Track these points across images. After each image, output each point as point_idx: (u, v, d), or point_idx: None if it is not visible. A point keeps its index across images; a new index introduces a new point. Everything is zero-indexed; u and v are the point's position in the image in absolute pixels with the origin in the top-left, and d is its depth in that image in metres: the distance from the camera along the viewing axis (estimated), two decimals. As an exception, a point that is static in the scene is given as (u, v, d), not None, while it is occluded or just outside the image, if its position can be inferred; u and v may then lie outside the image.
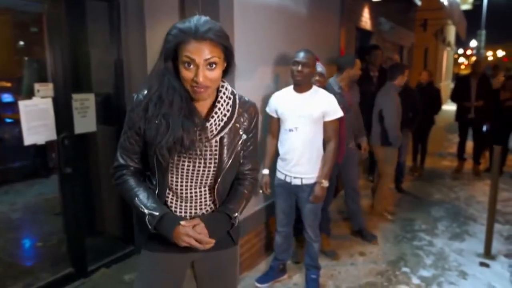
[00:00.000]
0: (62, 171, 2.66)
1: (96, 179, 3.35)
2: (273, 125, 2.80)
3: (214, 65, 1.26)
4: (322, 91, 2.69)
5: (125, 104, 3.03)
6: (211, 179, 1.43)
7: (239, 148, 1.44)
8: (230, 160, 1.42)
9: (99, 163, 3.33)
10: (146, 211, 1.36)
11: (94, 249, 3.02)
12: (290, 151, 2.66)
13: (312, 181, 2.66)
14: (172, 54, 1.28)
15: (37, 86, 2.51)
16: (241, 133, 1.43)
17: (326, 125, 2.65)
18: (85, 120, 2.86)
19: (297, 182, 2.68)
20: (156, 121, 1.30)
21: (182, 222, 1.37)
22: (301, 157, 2.64)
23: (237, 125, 1.42)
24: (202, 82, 1.24)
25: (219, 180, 1.42)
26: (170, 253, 1.48)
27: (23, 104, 2.41)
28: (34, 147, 2.63)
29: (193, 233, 1.35)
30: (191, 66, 1.24)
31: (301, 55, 2.61)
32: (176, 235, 1.35)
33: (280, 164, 2.77)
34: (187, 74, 1.25)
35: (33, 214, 3.93)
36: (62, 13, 2.57)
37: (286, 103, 2.67)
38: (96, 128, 2.97)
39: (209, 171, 1.41)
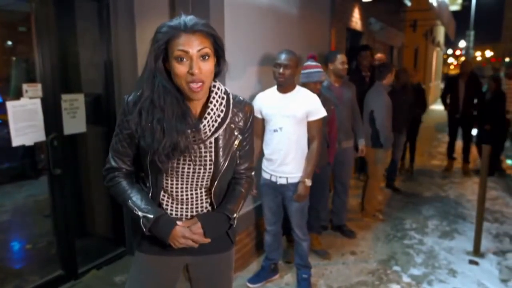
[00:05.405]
0: (52, 173, 2.63)
1: (86, 180, 3.33)
2: (258, 126, 2.77)
3: (207, 57, 1.24)
4: (305, 91, 2.70)
5: (115, 105, 3.01)
6: (207, 181, 1.41)
7: (234, 148, 1.41)
8: (227, 162, 1.39)
9: (89, 164, 3.30)
10: (140, 213, 1.34)
11: (84, 251, 2.99)
12: (276, 152, 2.66)
13: (297, 180, 2.67)
14: (163, 54, 1.25)
15: (25, 86, 2.48)
16: (236, 133, 1.40)
17: (309, 124, 2.66)
18: (75, 120, 2.83)
19: (282, 181, 2.69)
20: (151, 127, 1.27)
21: (179, 223, 1.36)
22: (286, 157, 2.64)
23: (232, 125, 1.39)
24: (198, 73, 1.21)
25: (215, 182, 1.40)
26: (164, 256, 1.47)
27: (11, 105, 2.39)
28: (23, 148, 2.59)
29: (189, 234, 1.35)
30: (184, 60, 1.22)
31: (282, 57, 2.61)
32: (173, 237, 1.34)
33: (265, 164, 2.78)
34: (180, 69, 1.22)
35: (22, 216, 3.88)
36: (50, 12, 2.54)
37: (270, 103, 2.67)
38: (86, 129, 2.94)
39: (205, 173, 1.38)
